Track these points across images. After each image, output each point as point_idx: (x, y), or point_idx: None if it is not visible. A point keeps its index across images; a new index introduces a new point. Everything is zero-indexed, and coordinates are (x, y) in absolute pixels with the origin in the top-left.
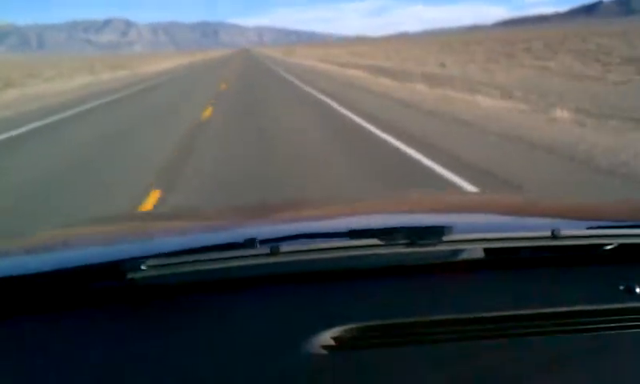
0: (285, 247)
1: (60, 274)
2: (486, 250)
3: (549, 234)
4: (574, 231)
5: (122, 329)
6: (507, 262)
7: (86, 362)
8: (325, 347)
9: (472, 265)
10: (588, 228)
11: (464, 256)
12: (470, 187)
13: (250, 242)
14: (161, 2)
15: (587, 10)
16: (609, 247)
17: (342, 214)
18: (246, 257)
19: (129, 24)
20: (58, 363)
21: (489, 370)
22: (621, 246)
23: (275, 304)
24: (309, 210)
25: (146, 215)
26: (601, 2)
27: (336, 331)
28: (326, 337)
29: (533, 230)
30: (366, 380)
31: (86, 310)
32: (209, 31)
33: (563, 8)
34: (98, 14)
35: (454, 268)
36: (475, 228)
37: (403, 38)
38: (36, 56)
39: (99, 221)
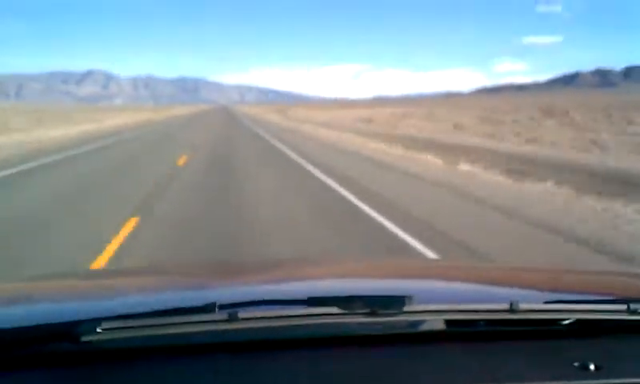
0: (243, 313)
1: (13, 334)
2: (445, 322)
3: (507, 306)
4: (532, 305)
5: None
6: (466, 335)
7: None
8: None
9: (431, 336)
10: (546, 301)
11: (424, 327)
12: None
13: (209, 307)
14: (141, 55)
15: (566, 80)
16: (566, 322)
17: (303, 277)
18: (205, 322)
19: (109, 77)
20: None
21: None
22: (577, 321)
23: (232, 371)
24: (270, 272)
25: (105, 271)
26: (578, 74)
27: None
28: None
29: (492, 300)
30: None
31: (38, 372)
32: (189, 87)
33: (542, 77)
34: (78, 66)
35: (413, 339)
36: (435, 297)
37: (383, 102)
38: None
39: (57, 276)
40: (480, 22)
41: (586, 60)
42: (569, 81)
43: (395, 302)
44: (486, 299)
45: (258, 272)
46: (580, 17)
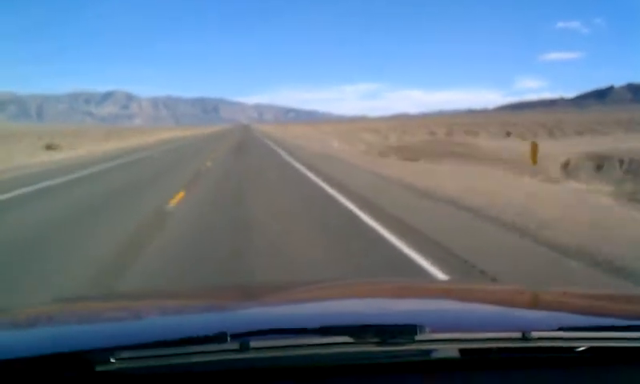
0: (255, 343)
1: (26, 362)
2: (459, 351)
3: (520, 335)
4: (545, 333)
5: None
6: (478, 363)
7: None
8: None
9: (443, 365)
10: (559, 328)
11: (435, 356)
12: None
13: (221, 337)
14: (162, 76)
15: (598, 95)
16: (579, 349)
17: (314, 301)
18: (217, 352)
19: (130, 97)
20: None
21: None
22: (590, 348)
23: None
24: (280, 295)
25: (115, 295)
26: (612, 88)
27: None
28: None
29: (504, 326)
30: None
31: None
32: (209, 107)
33: (569, 94)
34: (100, 87)
35: (425, 367)
36: (446, 324)
37: (403, 119)
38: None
39: (69, 300)
40: (498, 41)
41: (604, 76)
42: (601, 96)
43: (407, 330)
44: (498, 325)
45: (267, 296)
46: (599, 33)
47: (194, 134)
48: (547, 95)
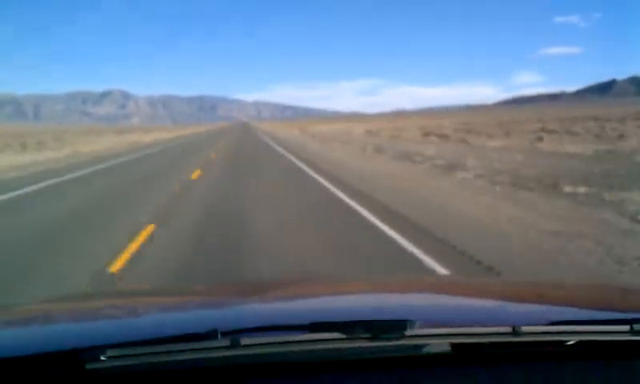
0: (246, 340)
1: (16, 361)
2: (450, 345)
3: (510, 329)
4: (535, 327)
5: None
6: (469, 357)
7: None
8: None
9: (434, 360)
10: (549, 322)
11: (426, 351)
12: None
13: (211, 334)
14: (159, 75)
15: (600, 89)
16: (568, 343)
17: (304, 298)
18: (207, 349)
19: (127, 96)
20: None
21: None
22: (579, 342)
23: None
24: (271, 292)
25: (107, 293)
26: (614, 82)
27: None
28: None
29: (495, 321)
30: None
31: None
32: (206, 105)
33: (568, 88)
34: (97, 86)
35: (416, 362)
36: (437, 319)
37: (401, 115)
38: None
39: (59, 299)
40: (494, 35)
41: (603, 70)
42: (603, 89)
43: (397, 326)
44: (489, 320)
45: (258, 293)
46: (598, 27)
47: (178, 135)
48: (543, 90)
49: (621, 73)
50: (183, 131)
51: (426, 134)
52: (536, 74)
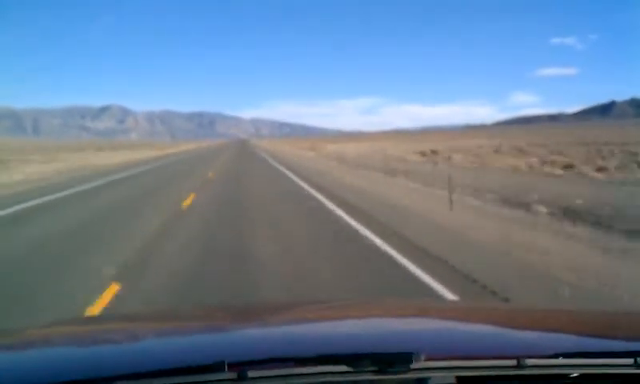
0: (253, 373)
1: None
2: (454, 378)
3: (514, 362)
4: (539, 360)
5: None
6: None
7: None
8: None
9: None
10: (553, 354)
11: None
12: None
13: (218, 366)
14: (158, 90)
15: (601, 111)
16: (572, 376)
17: (311, 323)
18: (215, 381)
19: (126, 111)
20: None
21: None
22: (583, 375)
23: None
24: (277, 317)
25: (113, 317)
26: (614, 103)
27: None
28: None
29: (500, 352)
30: None
31: None
32: (205, 121)
33: (566, 109)
34: (95, 101)
35: None
36: (443, 350)
37: (400, 135)
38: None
39: (61, 323)
40: (493, 56)
41: (602, 92)
42: (603, 111)
43: (403, 359)
44: (493, 350)
45: (263, 318)
46: (593, 48)
47: (173, 152)
48: (541, 110)
49: (619, 95)
50: (174, 149)
51: (497, 151)
52: (533, 94)
